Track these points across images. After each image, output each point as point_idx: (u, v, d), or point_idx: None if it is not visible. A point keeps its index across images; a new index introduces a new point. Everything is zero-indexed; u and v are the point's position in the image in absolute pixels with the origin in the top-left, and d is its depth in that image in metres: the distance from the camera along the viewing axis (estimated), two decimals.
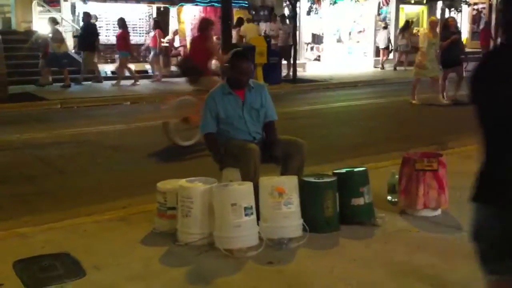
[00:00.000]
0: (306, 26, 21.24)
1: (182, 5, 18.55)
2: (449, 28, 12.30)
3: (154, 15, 18.33)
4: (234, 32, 16.53)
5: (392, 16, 23.07)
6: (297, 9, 18.39)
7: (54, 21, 14.77)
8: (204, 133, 4.77)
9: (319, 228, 4.16)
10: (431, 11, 24.10)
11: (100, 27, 16.26)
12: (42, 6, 16.83)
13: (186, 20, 19.06)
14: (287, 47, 17.00)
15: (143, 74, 16.89)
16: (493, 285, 1.82)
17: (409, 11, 24.37)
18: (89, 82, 14.98)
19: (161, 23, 16.80)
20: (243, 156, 4.36)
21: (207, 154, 5.17)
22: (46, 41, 14.58)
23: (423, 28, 21.35)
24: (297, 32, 19.07)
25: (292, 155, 4.56)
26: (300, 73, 17.40)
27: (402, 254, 3.83)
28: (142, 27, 18.10)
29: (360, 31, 22.79)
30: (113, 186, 5.98)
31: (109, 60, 17.42)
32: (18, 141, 8.44)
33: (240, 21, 17.62)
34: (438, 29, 12.25)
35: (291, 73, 16.54)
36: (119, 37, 15.12)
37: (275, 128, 4.81)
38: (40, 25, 15.82)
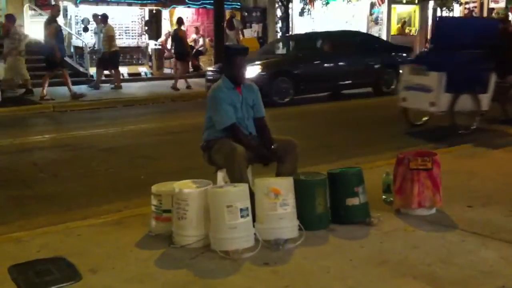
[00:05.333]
0: (299, 27, 21.25)
1: (174, 7, 18.54)
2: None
3: (147, 18, 18.31)
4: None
5: (384, 16, 23.15)
6: (290, 10, 18.43)
7: (105, 17, 14.68)
8: (231, 122, 4.50)
9: (311, 226, 4.17)
10: (423, 10, 24.23)
11: (92, 30, 16.21)
12: (34, 9, 16.78)
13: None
14: None
15: (136, 76, 16.86)
16: None
17: (401, 11, 24.48)
18: (84, 86, 14.93)
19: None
20: (227, 158, 4.36)
21: (200, 156, 5.15)
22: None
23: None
24: (290, 33, 19.09)
25: (287, 155, 4.56)
26: None
27: (398, 253, 3.85)
28: (135, 30, 18.08)
29: None
30: (108, 190, 5.96)
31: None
32: (11, 145, 8.40)
33: (230, 19, 17.66)
34: None
35: None
36: None
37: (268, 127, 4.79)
38: (32, 29, 15.74)
